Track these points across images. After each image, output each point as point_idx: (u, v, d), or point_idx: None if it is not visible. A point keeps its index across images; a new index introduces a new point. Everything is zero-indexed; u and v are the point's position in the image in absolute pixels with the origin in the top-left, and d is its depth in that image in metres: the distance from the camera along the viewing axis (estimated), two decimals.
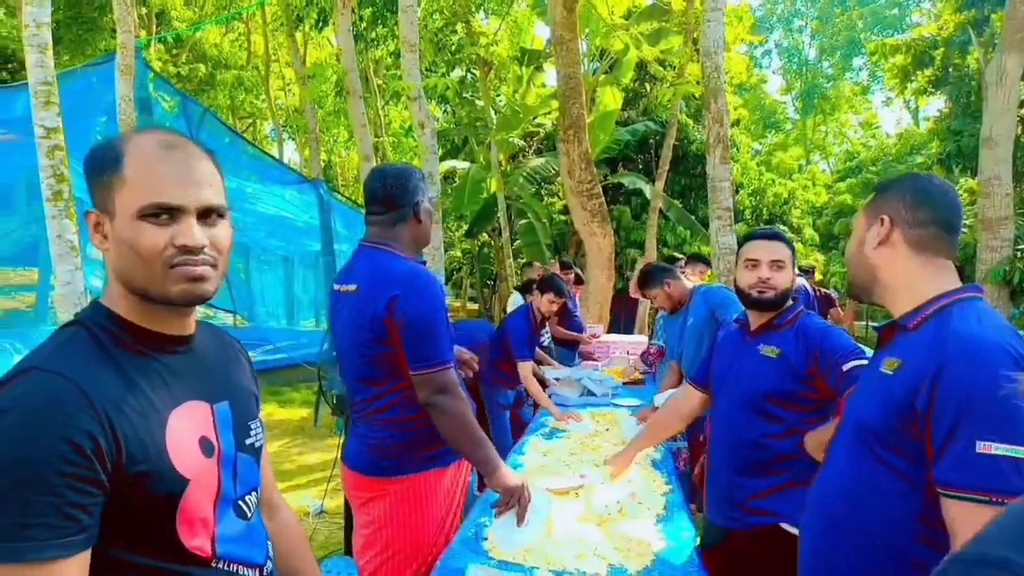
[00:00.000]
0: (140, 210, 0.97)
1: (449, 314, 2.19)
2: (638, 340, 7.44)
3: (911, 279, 1.41)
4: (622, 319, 12.28)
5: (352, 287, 2.12)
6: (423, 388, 1.98)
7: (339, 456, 3.34)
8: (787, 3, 34.33)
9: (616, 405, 4.38)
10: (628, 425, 3.71)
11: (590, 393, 4.69)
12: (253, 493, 1.15)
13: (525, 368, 4.32)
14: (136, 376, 0.99)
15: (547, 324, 5.54)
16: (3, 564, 0.82)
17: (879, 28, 30.22)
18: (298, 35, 14.20)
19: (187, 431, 1.02)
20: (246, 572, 1.10)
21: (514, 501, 1.96)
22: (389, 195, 2.14)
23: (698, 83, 9.72)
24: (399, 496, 2.12)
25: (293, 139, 21.06)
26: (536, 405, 5.09)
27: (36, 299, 9.47)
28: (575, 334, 6.28)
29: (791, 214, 14.93)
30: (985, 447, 1.17)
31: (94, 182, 1.01)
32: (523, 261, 8.98)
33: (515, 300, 6.54)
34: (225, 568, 1.06)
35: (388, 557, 2.15)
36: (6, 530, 0.82)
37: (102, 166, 1.00)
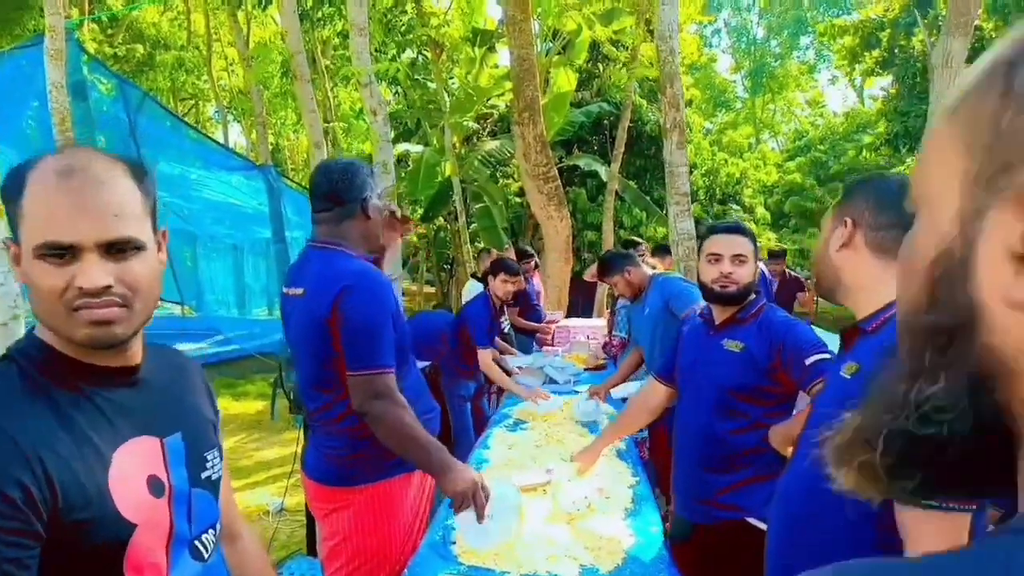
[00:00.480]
0: (35, 249, 0.88)
1: (402, 313, 2.11)
2: (597, 324, 7.45)
3: (872, 282, 1.40)
4: (580, 303, 12.32)
5: (299, 290, 2.03)
6: (357, 392, 1.88)
7: (298, 452, 3.25)
8: None
9: (578, 392, 4.37)
10: (578, 404, 3.72)
11: (552, 380, 4.68)
12: (211, 531, 1.08)
13: (485, 355, 4.27)
14: (74, 414, 0.91)
15: (506, 312, 5.50)
16: None
17: (825, 7, 30.73)
18: (240, 14, 13.69)
19: (133, 471, 0.94)
20: None
21: (467, 503, 1.85)
22: (335, 191, 2.04)
23: (652, 65, 9.73)
24: (363, 506, 2.05)
25: (239, 121, 20.43)
26: (497, 396, 5.06)
27: None
28: (533, 324, 6.26)
29: (743, 193, 15.15)
30: None
31: (8, 210, 0.92)
32: (480, 247, 8.90)
33: (471, 288, 6.47)
34: None
35: (355, 568, 2.09)
36: None
37: (9, 195, 0.91)
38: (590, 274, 6.92)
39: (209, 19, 15.94)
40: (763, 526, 2.10)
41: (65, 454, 0.87)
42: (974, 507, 1.14)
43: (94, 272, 0.89)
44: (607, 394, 3.82)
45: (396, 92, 13.10)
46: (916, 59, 7.46)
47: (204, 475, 1.07)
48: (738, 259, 2.20)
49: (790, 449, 2.20)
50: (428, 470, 1.93)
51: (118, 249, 0.92)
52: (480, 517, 1.86)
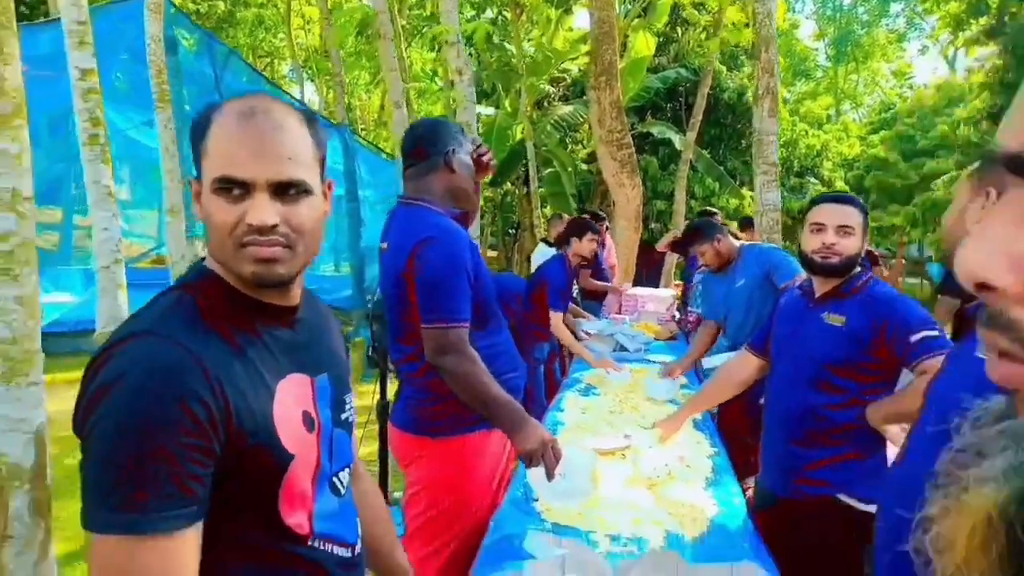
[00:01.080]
0: (213, 183, 0.93)
1: (486, 270, 2.12)
2: (667, 294, 7.36)
3: None
4: (644, 273, 12.16)
5: (385, 245, 2.10)
6: (429, 344, 1.91)
7: (372, 403, 3.34)
8: None
9: (649, 361, 4.34)
10: (651, 382, 3.68)
11: (622, 348, 4.65)
12: (347, 470, 1.13)
13: (557, 318, 4.29)
14: (245, 346, 0.95)
15: (579, 275, 5.47)
16: (123, 535, 0.80)
17: None
18: None
19: (292, 405, 0.99)
20: (339, 551, 1.07)
21: (536, 461, 1.85)
22: (419, 145, 2.10)
23: (737, 28, 9.37)
24: (443, 457, 2.10)
25: (312, 80, 20.72)
26: (568, 359, 5.07)
27: (59, 239, 9.50)
28: (605, 284, 6.21)
29: (823, 166, 14.54)
30: None
31: (194, 149, 0.97)
32: (550, 212, 8.83)
33: (542, 252, 6.45)
34: (320, 547, 1.03)
35: (431, 518, 2.13)
36: (125, 501, 0.80)
37: (196, 135, 0.96)
38: (664, 244, 6.83)
39: None
40: (854, 503, 2.06)
41: (240, 382, 0.91)
42: None
43: (263, 210, 0.92)
44: (682, 372, 3.76)
45: (470, 54, 13.04)
46: None
47: (343, 416, 1.12)
48: (843, 230, 2.11)
49: (889, 428, 2.13)
50: (500, 426, 1.94)
51: (288, 190, 0.95)
52: (550, 476, 1.87)
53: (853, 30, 30.44)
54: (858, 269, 2.17)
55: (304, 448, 0.99)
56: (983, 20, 7.26)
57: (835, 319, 2.11)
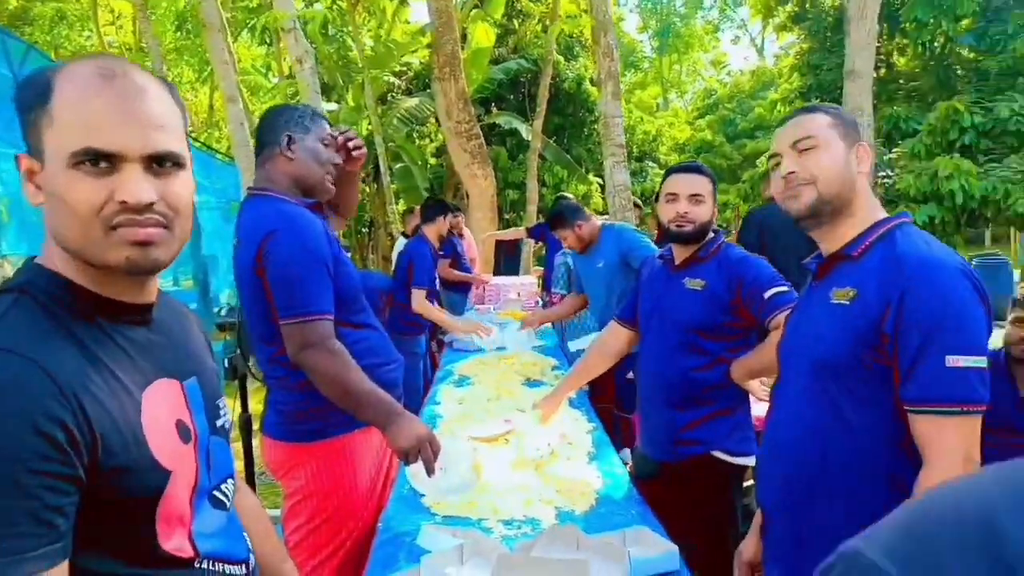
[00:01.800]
0: (72, 156, 0.78)
1: (347, 260, 2.01)
2: (527, 281, 7.47)
3: (866, 205, 1.43)
4: (502, 261, 12.31)
5: (236, 241, 1.94)
6: (289, 341, 1.78)
7: (236, 418, 3.10)
8: None
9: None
10: (510, 334, 3.81)
11: None
12: (230, 480, 1.00)
13: (420, 295, 4.25)
14: (99, 352, 0.81)
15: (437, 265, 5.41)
16: None
17: None
18: None
19: (163, 414, 0.86)
20: (230, 569, 0.95)
21: (413, 456, 1.74)
22: (258, 134, 1.99)
23: (572, 18, 9.67)
24: (321, 463, 1.96)
25: None
26: (438, 355, 5.00)
27: None
28: (466, 275, 6.19)
29: (659, 151, 15.44)
30: (954, 361, 1.22)
31: (23, 119, 0.81)
32: (403, 208, 8.67)
33: (402, 245, 6.32)
34: (210, 568, 0.91)
35: (315, 528, 2.00)
36: None
37: (29, 100, 0.79)
38: (521, 233, 6.95)
39: None
40: (728, 458, 2.16)
41: (99, 394, 0.77)
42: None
43: (140, 186, 0.79)
44: (540, 323, 3.91)
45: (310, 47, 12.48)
46: (828, 13, 7.74)
47: (219, 423, 0.99)
48: (695, 198, 2.20)
49: (751, 383, 2.26)
50: (373, 423, 1.82)
51: (163, 163, 0.83)
52: (430, 471, 1.78)
53: (673, 22, 32.53)
54: (712, 235, 2.28)
55: (181, 462, 0.87)
56: (788, 7, 8.02)
57: (695, 284, 2.20)
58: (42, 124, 0.79)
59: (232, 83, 5.85)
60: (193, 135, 16.35)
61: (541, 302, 6.00)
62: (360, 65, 8.65)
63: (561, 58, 12.95)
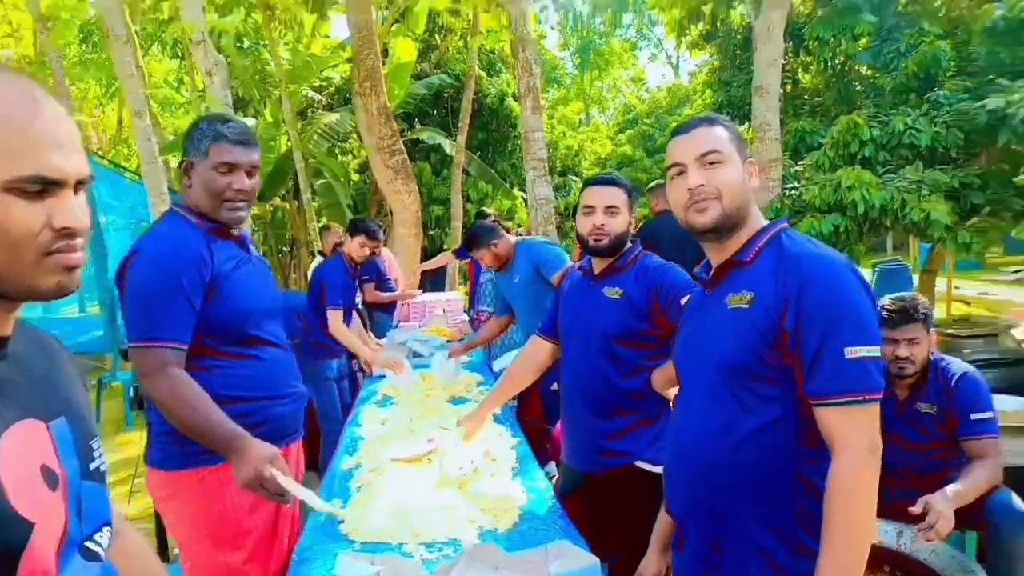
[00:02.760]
0: (8, 183, 0.74)
1: (228, 288, 1.85)
2: (453, 297, 7.42)
3: (754, 215, 1.47)
4: (429, 278, 12.20)
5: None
6: (136, 366, 1.74)
7: (142, 452, 2.93)
8: None
9: None
10: (438, 365, 3.75)
11: (416, 354, 4.58)
12: (105, 529, 0.90)
13: (335, 316, 4.10)
14: None
15: (362, 289, 5.29)
16: None
17: None
18: None
19: (24, 459, 0.77)
20: None
21: (255, 488, 1.60)
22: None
23: (493, 32, 9.74)
24: (190, 492, 1.84)
25: None
26: (359, 377, 4.88)
27: None
28: (391, 294, 6.09)
29: (581, 165, 15.71)
30: (853, 352, 1.27)
31: None
32: (321, 224, 8.45)
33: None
34: None
35: (207, 567, 1.87)
36: None
37: None
38: (439, 261, 6.93)
39: None
40: (651, 468, 2.18)
41: None
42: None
43: (76, 212, 0.79)
44: (466, 351, 3.86)
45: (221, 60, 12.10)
46: (737, 31, 8.09)
47: (93, 466, 0.90)
48: (611, 210, 2.23)
49: (669, 392, 2.29)
50: (220, 453, 1.69)
51: (84, 187, 0.82)
52: (282, 501, 1.65)
53: (593, 40, 33.28)
54: (629, 244, 2.30)
55: (46, 512, 0.78)
56: (700, 26, 8.34)
57: (614, 292, 2.23)
58: None
59: (139, 97, 5.58)
60: (100, 153, 15.59)
61: (468, 318, 5.97)
62: (277, 79, 8.43)
63: (483, 73, 13.02)
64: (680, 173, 1.46)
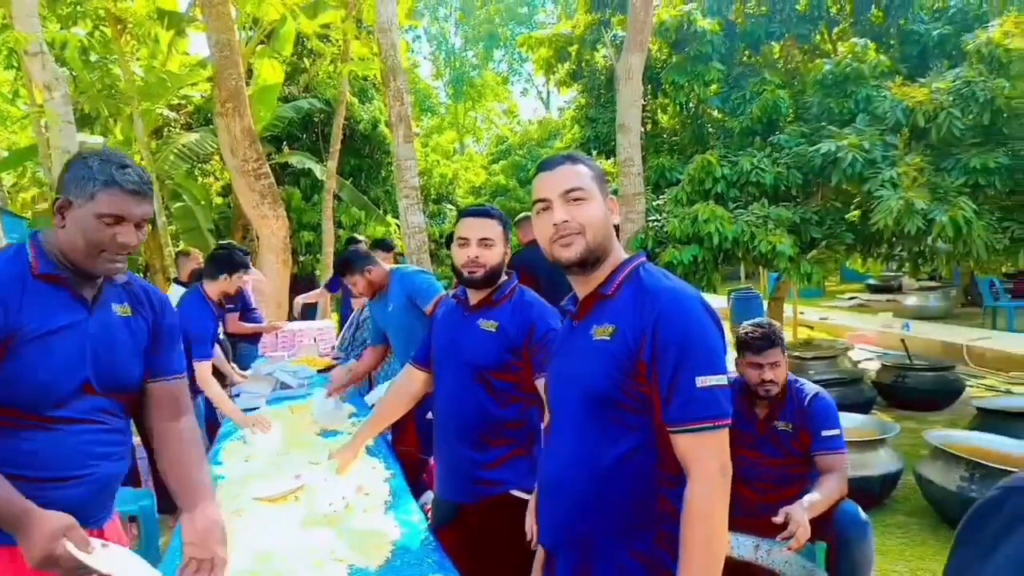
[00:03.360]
0: None
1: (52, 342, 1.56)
2: (324, 325, 7.18)
3: (616, 248, 1.54)
4: (307, 310, 11.75)
5: None
6: None
7: None
8: None
9: (311, 395, 4.14)
10: (318, 404, 3.59)
11: (284, 386, 4.37)
12: None
13: (204, 369, 3.72)
14: None
15: (223, 319, 4.99)
16: None
17: (514, 23, 33.40)
18: None
19: None
20: None
21: (50, 568, 1.37)
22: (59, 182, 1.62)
23: (364, 60, 9.65)
24: None
25: None
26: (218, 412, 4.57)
27: None
28: (257, 326, 5.76)
29: (456, 193, 15.83)
30: (703, 381, 1.35)
31: None
32: (179, 249, 7.90)
33: (174, 293, 5.73)
34: None
35: None
36: None
37: None
38: (310, 298, 6.68)
39: None
40: (526, 496, 2.18)
41: None
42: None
43: None
44: (344, 389, 3.69)
45: (66, 73, 11.13)
46: (600, 72, 8.52)
47: None
48: (485, 243, 2.23)
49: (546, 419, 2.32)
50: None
51: None
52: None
53: (466, 72, 33.85)
54: (505, 277, 2.32)
55: None
56: (567, 64, 8.71)
57: (489, 325, 2.22)
58: None
59: None
60: None
61: (337, 348, 5.78)
62: (129, 96, 7.87)
63: (355, 99, 12.85)
64: (546, 208, 1.49)
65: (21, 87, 13.15)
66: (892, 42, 7.46)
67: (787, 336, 6.34)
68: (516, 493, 2.18)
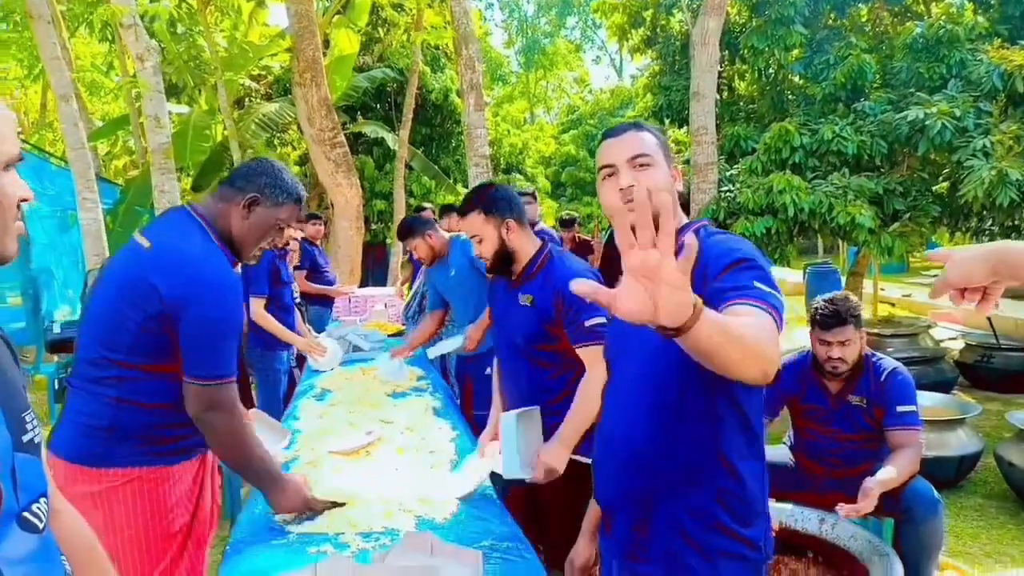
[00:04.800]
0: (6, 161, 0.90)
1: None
2: (393, 291, 7.37)
3: (679, 214, 1.57)
4: (372, 272, 12.07)
5: (147, 243, 1.80)
6: (192, 400, 1.73)
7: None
8: None
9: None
10: (382, 364, 3.77)
11: (357, 348, 4.54)
12: (43, 499, 0.90)
13: (257, 304, 4.01)
14: None
15: (295, 278, 5.17)
16: None
17: None
18: None
19: None
20: None
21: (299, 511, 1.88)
22: (237, 173, 1.96)
23: (436, 30, 9.70)
24: (120, 490, 1.75)
25: None
26: (297, 372, 4.78)
27: None
28: (326, 288, 5.95)
29: (526, 163, 15.81)
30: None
31: None
32: None
33: None
34: None
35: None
36: None
37: None
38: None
39: None
40: (578, 457, 2.22)
41: None
42: None
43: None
44: (410, 352, 3.84)
45: (154, 45, 11.63)
46: (675, 38, 8.27)
47: (26, 438, 0.89)
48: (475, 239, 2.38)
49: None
50: (254, 485, 1.90)
51: None
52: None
53: (538, 40, 33.48)
54: (533, 248, 2.35)
55: None
56: (641, 31, 8.49)
57: (526, 299, 2.29)
58: None
59: (66, 81, 5.33)
60: (23, 136, 14.79)
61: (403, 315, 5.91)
62: (213, 67, 8.18)
63: (427, 69, 12.94)
64: (611, 174, 1.50)
65: (114, 59, 13.83)
66: (992, 1, 6.95)
67: (866, 313, 6.13)
68: (576, 457, 2.22)
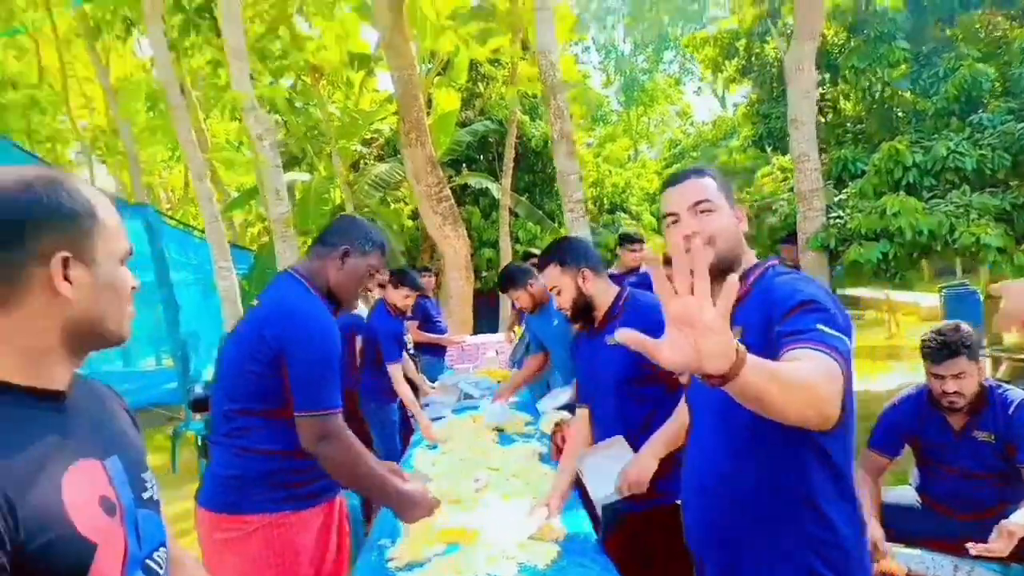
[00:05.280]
0: (123, 256, 1.04)
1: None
2: (503, 338, 7.53)
3: (746, 254, 1.58)
4: (484, 319, 12.35)
5: (258, 303, 2.12)
6: (306, 434, 1.91)
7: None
8: (599, 0, 36.22)
9: None
10: (486, 408, 3.92)
11: (468, 396, 4.70)
12: (162, 549, 1.06)
13: (396, 371, 4.19)
14: (17, 439, 0.87)
15: (407, 328, 5.44)
16: None
17: (684, 22, 32.67)
18: (98, 47, 12.91)
19: (84, 492, 0.92)
20: None
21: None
22: (328, 231, 2.19)
23: (532, 81, 10.02)
24: (258, 535, 1.95)
25: (104, 162, 19.18)
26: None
27: None
28: (438, 337, 6.20)
29: (630, 202, 15.80)
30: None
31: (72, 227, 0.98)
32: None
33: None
34: None
35: None
36: None
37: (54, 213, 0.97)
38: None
39: (62, 53, 14.92)
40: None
41: (20, 480, 0.84)
42: None
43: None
44: (511, 394, 3.94)
45: (275, 121, 12.72)
46: (771, 65, 8.14)
47: (146, 495, 1.06)
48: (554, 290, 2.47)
49: None
50: (381, 503, 2.11)
51: None
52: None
53: (636, 76, 33.59)
54: (609, 294, 2.41)
55: (106, 535, 0.92)
56: (735, 61, 8.43)
57: (613, 340, 2.29)
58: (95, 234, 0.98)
59: (199, 161, 6.00)
60: (169, 212, 16.48)
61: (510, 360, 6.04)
62: (328, 136, 8.86)
63: (526, 118, 13.33)
64: (675, 222, 1.55)
65: (244, 136, 15.20)
66: None
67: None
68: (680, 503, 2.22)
